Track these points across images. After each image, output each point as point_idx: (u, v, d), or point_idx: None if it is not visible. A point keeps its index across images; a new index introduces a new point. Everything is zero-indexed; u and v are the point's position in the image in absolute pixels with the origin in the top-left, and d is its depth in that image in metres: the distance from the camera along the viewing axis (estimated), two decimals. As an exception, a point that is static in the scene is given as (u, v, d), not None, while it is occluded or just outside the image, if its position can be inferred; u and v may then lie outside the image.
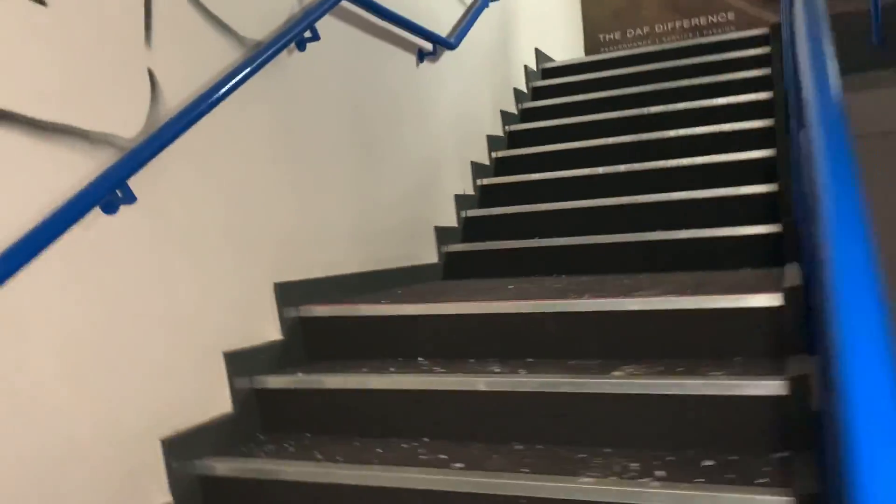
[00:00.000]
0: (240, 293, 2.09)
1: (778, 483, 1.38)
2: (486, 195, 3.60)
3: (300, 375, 2.04)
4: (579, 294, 2.07)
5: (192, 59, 1.98)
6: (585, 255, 3.01)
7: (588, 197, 3.31)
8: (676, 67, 4.12)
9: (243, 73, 2.04)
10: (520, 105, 4.25)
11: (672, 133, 3.47)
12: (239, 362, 2.03)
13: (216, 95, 1.94)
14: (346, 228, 2.60)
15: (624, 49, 5.57)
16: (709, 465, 1.52)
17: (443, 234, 3.26)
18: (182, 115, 1.84)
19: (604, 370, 1.77)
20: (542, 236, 3.25)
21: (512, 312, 2.04)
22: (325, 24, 2.50)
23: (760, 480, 1.40)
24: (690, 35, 5.42)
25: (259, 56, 2.12)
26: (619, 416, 1.68)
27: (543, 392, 1.75)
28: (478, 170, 3.66)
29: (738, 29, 5.25)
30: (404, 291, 2.61)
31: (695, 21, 5.43)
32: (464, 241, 3.39)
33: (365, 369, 2.05)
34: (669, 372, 1.70)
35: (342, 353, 2.26)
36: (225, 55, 2.10)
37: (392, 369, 2.02)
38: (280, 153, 2.28)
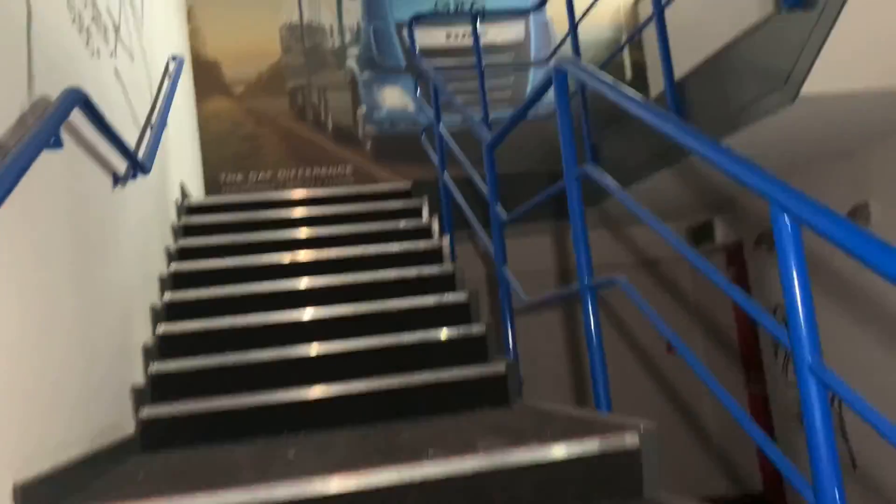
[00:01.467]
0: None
1: None
2: (167, 345, 3.04)
3: None
4: (415, 455, 1.85)
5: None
6: (313, 410, 2.75)
7: (271, 344, 3.01)
8: (333, 215, 4.16)
9: (8, 183, 1.42)
10: (176, 242, 3.78)
11: (346, 278, 3.43)
12: None
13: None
14: (72, 394, 1.92)
15: (246, 191, 5.45)
16: None
17: (138, 396, 2.63)
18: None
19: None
20: (246, 389, 2.84)
21: (362, 490, 1.72)
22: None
23: None
24: (311, 184, 5.57)
25: (19, 162, 1.50)
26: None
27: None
28: (155, 315, 3.10)
29: (357, 181, 5.59)
30: (156, 472, 2.00)
31: (316, 171, 5.62)
32: (155, 401, 2.76)
33: None
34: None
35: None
36: (-33, 155, 1.44)
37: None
38: (12, 295, 1.61)
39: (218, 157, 5.49)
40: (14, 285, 1.63)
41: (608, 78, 2.15)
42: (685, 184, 4.09)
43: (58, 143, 1.80)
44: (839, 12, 2.32)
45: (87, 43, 2.47)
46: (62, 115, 1.81)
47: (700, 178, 4.00)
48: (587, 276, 2.24)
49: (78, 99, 1.98)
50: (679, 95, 3.24)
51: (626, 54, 5.93)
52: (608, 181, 2.08)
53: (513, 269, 3.02)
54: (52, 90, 1.99)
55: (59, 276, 1.93)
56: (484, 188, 3.38)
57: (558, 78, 2.32)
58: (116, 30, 2.96)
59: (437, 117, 4.07)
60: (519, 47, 5.98)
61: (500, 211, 3.05)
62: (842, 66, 2.51)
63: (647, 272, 6.08)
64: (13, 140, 1.64)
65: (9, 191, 1.42)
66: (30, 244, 1.76)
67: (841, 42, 2.41)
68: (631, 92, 2.03)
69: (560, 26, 5.88)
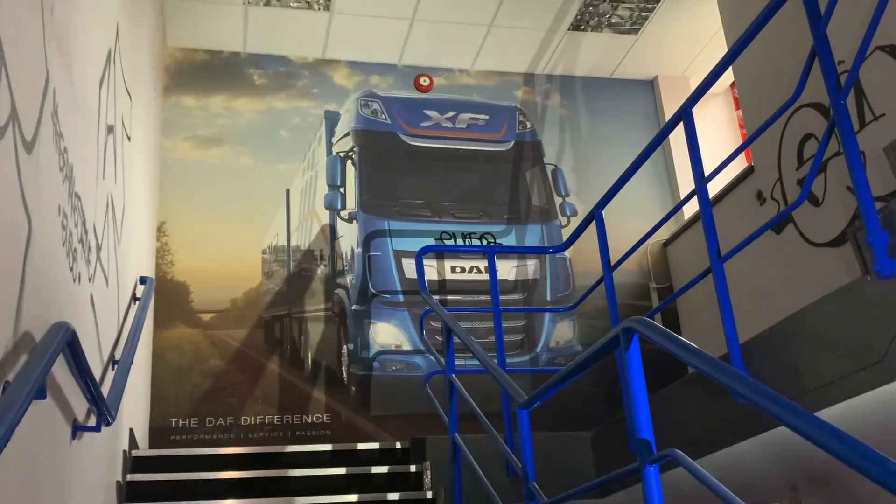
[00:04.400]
0: None
1: None
2: None
3: None
4: None
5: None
6: None
7: None
8: (308, 477, 4.01)
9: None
10: (120, 506, 3.57)
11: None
12: None
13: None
14: None
15: (202, 440, 5.26)
16: None
17: None
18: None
19: None
20: None
21: None
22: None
23: None
24: (281, 433, 5.42)
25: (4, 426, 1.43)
26: None
27: None
28: None
29: (334, 433, 5.45)
30: None
31: (287, 418, 5.49)
32: None
33: None
34: None
35: None
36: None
37: None
38: None
39: (172, 397, 5.36)
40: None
41: (688, 343, 2.17)
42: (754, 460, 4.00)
43: (41, 395, 1.74)
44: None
45: (72, 267, 2.49)
46: (50, 364, 1.76)
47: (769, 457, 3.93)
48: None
49: (65, 342, 1.95)
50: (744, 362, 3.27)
51: (655, 299, 6.17)
52: (702, 473, 2.01)
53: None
54: (36, 325, 1.96)
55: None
56: (513, 458, 3.30)
57: (627, 340, 2.32)
58: (98, 250, 3.01)
59: (450, 364, 4.06)
60: (533, 285, 6.15)
61: (535, 490, 2.92)
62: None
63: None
64: (-5, 392, 1.57)
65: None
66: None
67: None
68: (716, 360, 2.04)
69: (580, 263, 6.19)
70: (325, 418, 5.56)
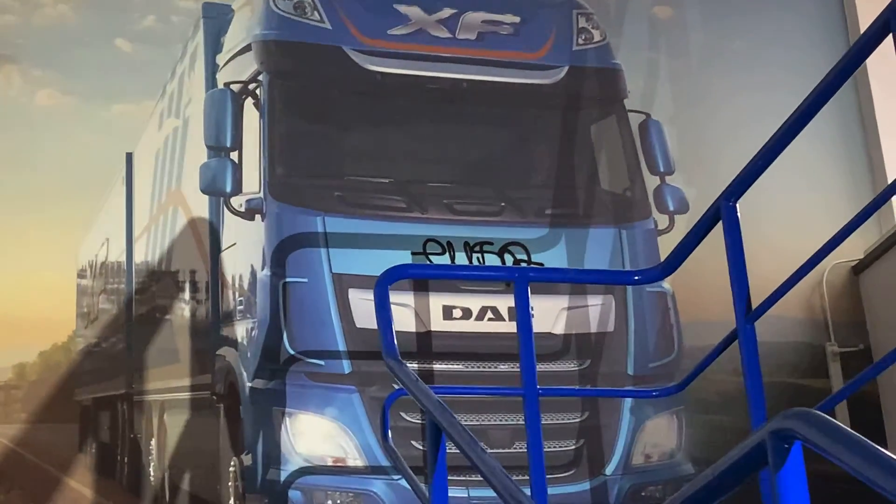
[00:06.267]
0: None
1: None
2: None
3: None
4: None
5: None
6: None
7: None
8: None
9: None
10: None
11: None
12: None
13: None
14: None
15: None
16: None
17: None
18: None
19: None
20: None
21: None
22: None
23: None
24: None
25: None
26: None
27: None
28: None
29: None
30: None
31: None
32: None
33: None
34: None
35: None
36: None
37: None
38: None
39: None
40: None
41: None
42: None
43: None
44: None
45: None
46: None
47: None
48: None
49: None
50: None
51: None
52: None
53: None
54: None
55: None
56: None
57: (783, 451, 2.31)
58: None
59: (439, 496, 4.05)
60: (602, 344, 5.98)
61: None
62: None
63: None
64: None
65: None
66: None
67: None
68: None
69: (691, 304, 6.08)
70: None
